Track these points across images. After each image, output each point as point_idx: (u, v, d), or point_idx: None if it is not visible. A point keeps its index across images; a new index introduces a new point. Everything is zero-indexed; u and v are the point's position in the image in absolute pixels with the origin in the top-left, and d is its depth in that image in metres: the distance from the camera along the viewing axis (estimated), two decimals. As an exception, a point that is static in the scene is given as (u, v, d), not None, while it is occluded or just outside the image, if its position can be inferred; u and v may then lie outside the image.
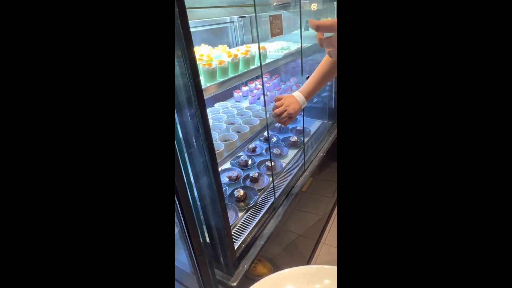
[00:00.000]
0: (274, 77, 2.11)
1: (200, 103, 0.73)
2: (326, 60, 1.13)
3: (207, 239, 1.05)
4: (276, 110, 1.10)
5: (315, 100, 2.28)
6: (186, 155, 0.80)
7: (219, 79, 1.13)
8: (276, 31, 1.16)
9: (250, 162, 1.71)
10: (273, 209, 1.39)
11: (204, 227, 1.02)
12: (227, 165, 1.68)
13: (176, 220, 0.86)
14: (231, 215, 1.30)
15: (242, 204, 1.37)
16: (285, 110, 1.10)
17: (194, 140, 0.80)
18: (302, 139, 1.91)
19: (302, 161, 1.72)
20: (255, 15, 1.08)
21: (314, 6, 1.75)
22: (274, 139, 1.97)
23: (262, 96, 1.72)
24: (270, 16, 1.14)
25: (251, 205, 1.36)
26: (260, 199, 1.42)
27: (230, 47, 1.67)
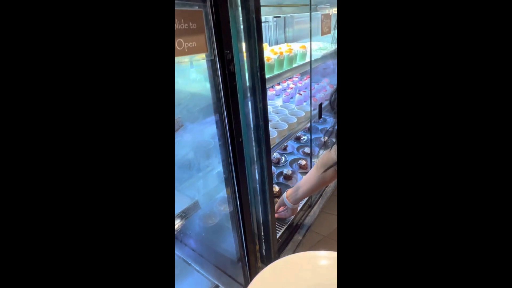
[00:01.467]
0: (305, 77, 2.13)
1: (263, 94, 0.76)
2: (315, 175, 1.06)
3: (256, 227, 1.08)
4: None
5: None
6: (248, 139, 0.82)
7: (266, 76, 1.16)
8: (326, 29, 1.19)
9: (282, 160, 1.73)
10: (308, 206, 1.40)
11: (254, 212, 1.04)
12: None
13: (230, 200, 0.87)
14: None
15: (277, 199, 1.39)
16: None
17: (254, 128, 0.83)
18: (333, 139, 1.91)
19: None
20: (310, 14, 1.10)
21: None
22: (304, 139, 1.98)
23: (297, 96, 1.74)
24: (322, 15, 1.16)
25: (287, 201, 1.38)
26: (295, 195, 1.44)
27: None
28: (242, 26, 0.69)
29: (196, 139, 0.91)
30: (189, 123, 0.79)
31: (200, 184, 0.92)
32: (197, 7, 0.55)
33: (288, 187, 1.47)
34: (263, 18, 2.03)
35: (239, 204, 0.81)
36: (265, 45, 1.48)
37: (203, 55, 0.61)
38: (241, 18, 0.68)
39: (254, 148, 0.86)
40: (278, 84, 2.00)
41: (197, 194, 0.92)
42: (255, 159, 0.89)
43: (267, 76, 1.18)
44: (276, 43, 2.12)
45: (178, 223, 0.79)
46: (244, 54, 0.72)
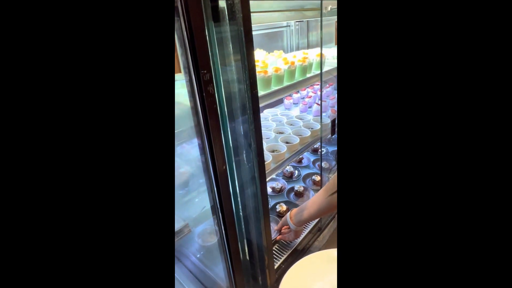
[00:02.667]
0: (327, 85, 1.98)
1: (255, 116, 0.67)
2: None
3: (247, 256, 0.99)
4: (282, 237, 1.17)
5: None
6: (234, 166, 0.75)
7: (273, 88, 1.07)
8: (341, 37, 1.05)
9: (296, 173, 1.62)
10: (318, 229, 1.28)
11: (245, 241, 0.96)
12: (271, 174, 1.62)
13: (216, 228, 0.82)
14: (271, 231, 1.22)
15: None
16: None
17: (244, 154, 0.74)
18: (354, 154, 1.75)
19: (353, 179, 1.57)
20: (321, 19, 0.99)
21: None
22: (323, 151, 1.84)
23: (315, 106, 1.61)
24: (336, 22, 1.04)
25: (294, 222, 1.27)
26: (304, 216, 1.32)
27: (285, 51, 1.61)
28: (229, 39, 0.60)
29: (185, 160, 0.85)
30: (177, 146, 0.73)
31: (190, 206, 0.86)
32: (165, 22, 0.47)
33: (297, 206, 1.36)
34: (284, 23, 1.95)
35: (224, 234, 0.73)
36: (280, 53, 1.38)
37: (179, 75, 0.54)
38: (228, 29, 0.59)
39: (247, 173, 0.77)
40: (297, 92, 1.89)
41: (188, 216, 0.86)
42: (249, 183, 0.80)
43: (276, 88, 1.09)
44: (298, 48, 2.00)
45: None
46: (234, 70, 0.64)
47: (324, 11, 1.07)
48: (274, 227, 1.25)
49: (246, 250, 0.96)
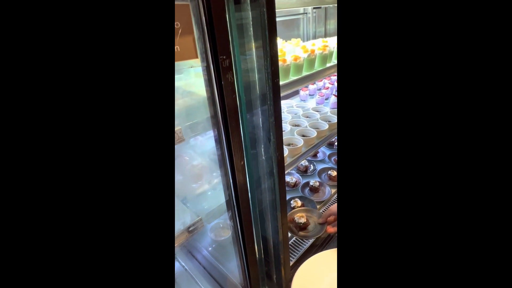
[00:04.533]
0: (345, 76, 1.89)
1: (276, 107, 0.62)
2: None
3: (262, 253, 0.96)
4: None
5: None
6: (251, 159, 0.71)
7: (292, 77, 1.01)
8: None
9: (311, 168, 1.56)
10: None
11: (260, 236, 0.93)
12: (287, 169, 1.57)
13: (231, 223, 0.79)
14: (286, 226, 1.19)
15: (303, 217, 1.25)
16: None
17: (262, 148, 0.70)
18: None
19: (371, 175, 1.50)
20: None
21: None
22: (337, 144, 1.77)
23: (332, 97, 1.54)
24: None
25: (310, 219, 1.22)
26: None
27: (302, 40, 1.53)
28: (250, 23, 0.55)
29: (199, 153, 0.81)
30: (191, 138, 0.69)
31: (203, 200, 0.83)
32: (182, 1, 0.43)
33: (312, 202, 1.31)
34: (301, 10, 1.86)
35: (240, 231, 0.70)
36: (298, 41, 1.31)
37: (195, 61, 0.49)
38: (249, 11, 0.54)
39: (264, 167, 0.72)
40: (313, 83, 1.81)
41: (201, 210, 0.83)
42: (266, 178, 0.76)
43: (294, 78, 1.03)
44: (315, 37, 1.91)
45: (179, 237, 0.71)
46: (255, 57, 0.59)
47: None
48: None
49: (262, 247, 0.93)
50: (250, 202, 0.68)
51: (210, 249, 1.10)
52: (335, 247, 1.17)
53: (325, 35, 1.95)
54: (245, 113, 0.59)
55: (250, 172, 0.64)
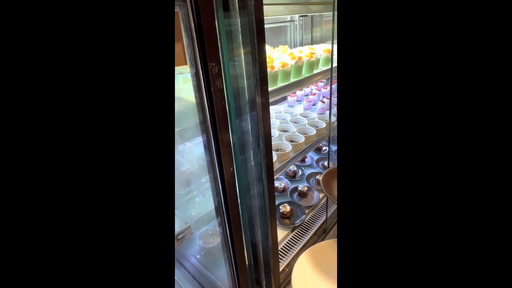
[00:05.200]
0: (332, 82, 1.93)
1: (264, 113, 0.63)
2: None
3: (252, 259, 0.95)
4: None
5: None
6: (240, 165, 0.71)
7: (280, 84, 1.02)
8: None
9: (299, 173, 1.58)
10: (323, 231, 1.24)
11: (249, 243, 0.92)
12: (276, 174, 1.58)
13: (219, 230, 0.78)
14: (275, 231, 1.19)
15: (287, 221, 1.25)
16: None
17: (251, 154, 0.70)
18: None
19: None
20: (333, 13, 0.94)
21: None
22: (326, 150, 1.80)
23: (319, 103, 1.57)
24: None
25: (298, 224, 1.23)
26: (308, 217, 1.29)
27: (289, 47, 1.56)
28: (239, 30, 0.55)
29: (188, 160, 0.80)
30: (180, 144, 0.68)
31: (191, 207, 0.82)
32: (171, 8, 0.43)
33: (300, 207, 1.32)
34: (288, 17, 1.89)
35: (229, 237, 0.69)
36: (285, 48, 1.33)
37: (184, 67, 0.49)
38: (238, 18, 0.55)
39: (253, 173, 0.72)
40: (301, 89, 1.84)
41: (189, 217, 0.82)
42: (255, 183, 0.76)
43: (282, 84, 1.04)
44: (302, 44, 1.95)
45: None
46: (243, 63, 0.59)
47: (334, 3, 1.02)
48: (278, 229, 1.22)
49: (251, 253, 0.92)
50: (240, 208, 0.67)
51: (198, 256, 1.08)
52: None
53: (312, 42, 1.99)
54: (234, 119, 0.60)
55: (240, 178, 0.64)
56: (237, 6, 0.53)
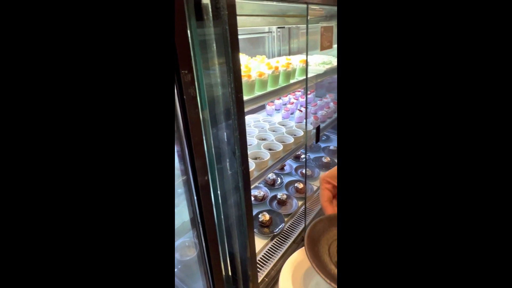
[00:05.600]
0: (309, 92, 1.99)
1: (240, 121, 0.63)
2: None
3: (229, 270, 0.93)
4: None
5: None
6: (216, 174, 0.70)
7: (257, 93, 1.03)
8: (326, 44, 1.05)
9: (278, 181, 1.58)
10: (302, 239, 1.24)
11: (227, 255, 0.90)
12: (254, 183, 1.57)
13: (195, 241, 0.76)
14: (254, 241, 1.17)
15: (266, 230, 1.24)
16: None
17: (228, 163, 0.69)
18: (335, 160, 1.75)
19: (335, 186, 1.56)
20: (306, 26, 0.97)
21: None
22: (304, 158, 1.83)
23: (297, 112, 1.60)
24: (321, 27, 1.03)
25: (277, 232, 1.22)
26: (287, 225, 1.29)
27: (267, 57, 1.59)
28: (213, 39, 0.56)
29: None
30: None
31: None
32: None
33: (280, 215, 1.32)
34: (266, 28, 1.94)
35: (205, 249, 0.67)
36: (263, 58, 1.35)
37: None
38: (212, 27, 0.55)
39: (230, 182, 0.72)
40: (279, 98, 1.87)
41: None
42: (232, 192, 0.75)
43: (259, 93, 1.05)
44: (280, 55, 2.00)
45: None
46: (218, 72, 0.59)
47: (308, 17, 1.06)
48: (256, 239, 1.20)
49: (229, 264, 0.90)
50: (216, 218, 0.66)
51: (176, 270, 1.04)
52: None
53: (289, 53, 2.05)
54: (210, 128, 0.59)
55: (215, 188, 0.63)
56: (211, 15, 0.53)
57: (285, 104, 1.79)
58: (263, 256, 1.14)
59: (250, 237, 0.80)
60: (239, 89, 0.60)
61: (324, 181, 0.50)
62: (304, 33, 2.14)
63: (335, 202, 0.49)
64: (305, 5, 0.91)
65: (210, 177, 0.60)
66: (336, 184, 0.49)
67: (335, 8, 1.44)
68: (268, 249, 1.16)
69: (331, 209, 0.47)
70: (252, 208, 1.26)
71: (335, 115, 1.67)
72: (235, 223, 0.80)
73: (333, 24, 1.20)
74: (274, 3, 0.88)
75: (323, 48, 1.08)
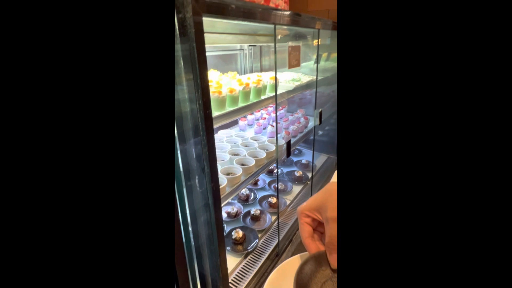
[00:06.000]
0: (280, 107, 2.04)
1: (209, 138, 0.62)
2: None
3: (200, 293, 0.89)
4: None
5: (320, 133, 2.20)
6: (185, 192, 0.67)
7: (228, 108, 1.04)
8: (294, 62, 1.09)
9: (252, 196, 1.57)
10: (275, 254, 1.23)
11: (197, 276, 0.86)
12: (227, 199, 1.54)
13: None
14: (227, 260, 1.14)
15: (240, 247, 1.21)
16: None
17: (197, 179, 0.68)
18: (308, 174, 1.79)
19: (308, 199, 1.59)
20: (274, 45, 1.01)
21: (320, 41, 1.73)
22: (276, 171, 1.85)
23: (269, 127, 1.63)
24: (289, 46, 1.08)
25: (250, 250, 1.20)
26: (261, 241, 1.27)
27: (239, 74, 1.62)
28: (180, 56, 0.56)
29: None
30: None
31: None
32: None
33: (253, 231, 1.30)
34: (238, 46, 1.98)
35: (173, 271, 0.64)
36: (235, 74, 1.37)
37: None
38: (180, 47, 0.55)
39: (199, 200, 0.70)
40: (251, 113, 1.90)
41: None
42: (202, 210, 0.73)
43: (230, 109, 1.06)
44: (252, 71, 2.05)
45: None
46: (186, 88, 0.59)
47: (278, 37, 1.11)
48: (230, 257, 1.16)
49: (199, 286, 0.86)
50: (184, 238, 0.63)
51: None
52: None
53: (261, 70, 2.10)
54: (178, 144, 0.58)
55: (183, 206, 0.61)
56: (178, 32, 0.54)
57: (257, 119, 1.82)
58: (237, 274, 1.11)
59: (222, 256, 0.78)
60: (208, 106, 0.60)
61: (303, 215, 0.46)
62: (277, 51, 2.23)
63: (316, 236, 0.46)
64: (272, 25, 0.96)
65: (177, 195, 0.58)
66: (315, 216, 0.45)
67: (302, 29, 1.52)
68: (242, 267, 1.13)
69: (315, 246, 0.44)
70: (224, 226, 1.23)
71: (306, 130, 1.72)
72: (205, 242, 0.77)
73: (301, 43, 1.26)
74: (244, 22, 0.90)
75: (291, 66, 1.13)
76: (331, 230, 0.41)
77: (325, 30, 1.56)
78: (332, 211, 0.42)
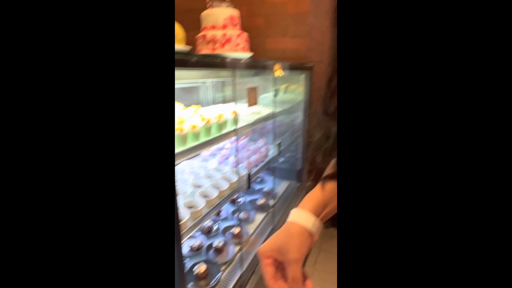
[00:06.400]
0: (243, 137, 2.12)
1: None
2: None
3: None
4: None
5: (281, 160, 2.31)
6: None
7: (190, 144, 1.07)
8: (252, 101, 1.19)
9: (215, 227, 1.57)
10: (239, 286, 1.23)
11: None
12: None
13: None
14: (190, 297, 1.11)
15: (203, 282, 1.19)
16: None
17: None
18: (270, 201, 1.85)
19: (271, 227, 1.63)
20: (233, 87, 1.09)
21: (279, 73, 1.89)
22: (240, 201, 1.88)
23: (232, 157, 1.68)
24: (247, 88, 1.17)
25: (213, 284, 1.19)
26: (224, 274, 1.26)
27: (202, 105, 1.67)
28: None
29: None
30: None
31: None
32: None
33: (216, 265, 1.29)
34: (200, 80, 2.06)
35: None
36: (197, 108, 1.42)
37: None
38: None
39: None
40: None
41: None
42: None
43: (192, 144, 1.09)
44: (215, 102, 2.12)
45: None
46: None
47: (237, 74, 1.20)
48: (192, 292, 1.13)
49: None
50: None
51: None
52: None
53: (224, 101, 2.19)
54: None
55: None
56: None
57: (220, 150, 1.86)
58: (199, 313, 1.08)
59: (183, 296, 0.77)
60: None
61: (264, 256, 0.46)
62: (237, 83, 2.34)
63: (279, 274, 0.46)
64: (233, 70, 1.05)
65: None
66: (277, 256, 0.46)
67: (259, 70, 1.66)
68: (205, 304, 1.11)
69: (278, 287, 0.45)
70: (185, 262, 1.21)
71: (267, 159, 1.81)
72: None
73: (258, 84, 1.37)
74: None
75: (250, 104, 1.22)
76: (294, 271, 0.43)
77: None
78: (294, 253, 0.44)
